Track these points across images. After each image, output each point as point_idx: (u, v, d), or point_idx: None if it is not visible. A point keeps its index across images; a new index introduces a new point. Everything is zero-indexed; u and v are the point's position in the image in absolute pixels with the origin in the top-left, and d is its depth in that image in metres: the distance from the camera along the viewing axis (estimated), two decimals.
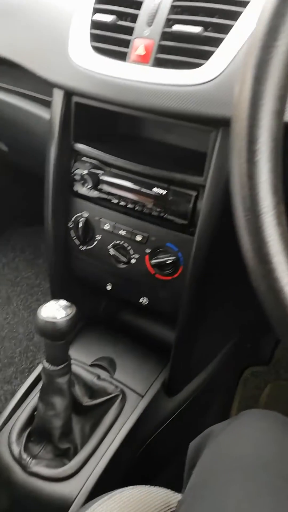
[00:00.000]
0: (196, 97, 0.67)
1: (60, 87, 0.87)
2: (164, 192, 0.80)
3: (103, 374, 0.99)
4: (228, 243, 0.79)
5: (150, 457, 0.99)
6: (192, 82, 0.68)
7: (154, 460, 1.02)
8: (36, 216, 2.07)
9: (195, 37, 0.68)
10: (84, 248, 0.96)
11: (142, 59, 0.74)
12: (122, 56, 0.77)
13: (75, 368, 0.96)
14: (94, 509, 0.64)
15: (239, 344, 1.17)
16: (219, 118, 0.65)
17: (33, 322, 1.65)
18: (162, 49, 0.73)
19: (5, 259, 1.91)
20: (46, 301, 1.76)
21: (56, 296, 1.05)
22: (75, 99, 0.87)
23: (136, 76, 0.74)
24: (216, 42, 0.67)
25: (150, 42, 0.73)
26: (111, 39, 0.79)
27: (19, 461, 0.85)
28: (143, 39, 0.73)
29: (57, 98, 0.89)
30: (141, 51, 0.74)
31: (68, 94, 0.87)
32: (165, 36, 0.72)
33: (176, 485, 0.70)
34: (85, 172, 0.88)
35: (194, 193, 0.77)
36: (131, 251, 0.89)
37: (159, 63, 0.73)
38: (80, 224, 0.93)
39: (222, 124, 0.67)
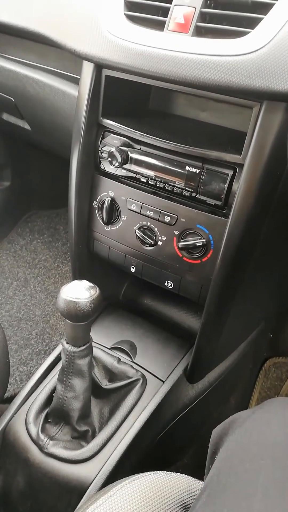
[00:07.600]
0: (240, 68, 0.63)
1: (90, 59, 0.83)
2: (197, 170, 0.76)
3: (124, 357, 0.98)
4: (264, 228, 0.76)
5: (169, 443, 0.97)
6: (236, 52, 0.64)
7: (173, 447, 1.00)
8: (55, 200, 2.06)
9: (243, 4, 0.64)
10: (109, 229, 0.94)
11: (181, 28, 0.70)
12: (158, 25, 0.73)
13: (95, 350, 0.94)
14: (114, 492, 0.63)
15: (262, 334, 1.14)
16: (265, 90, 0.61)
17: (50, 304, 1.63)
18: (203, 17, 0.69)
19: (23, 241, 1.90)
20: (63, 284, 1.75)
21: (77, 277, 1.03)
22: (106, 72, 0.83)
23: (173, 46, 0.70)
24: (265, 9, 0.63)
25: (191, 10, 0.69)
26: (147, 7, 0.75)
27: (36, 441, 0.84)
28: (184, 7, 0.69)
29: (87, 71, 0.85)
30: (180, 19, 0.69)
31: (99, 66, 0.83)
32: (207, 3, 0.68)
33: (195, 472, 0.68)
34: (113, 149, 0.85)
35: (230, 172, 0.73)
36: (158, 233, 0.86)
37: (199, 32, 0.69)
38: (106, 204, 0.90)
39: (267, 97, 0.63)
